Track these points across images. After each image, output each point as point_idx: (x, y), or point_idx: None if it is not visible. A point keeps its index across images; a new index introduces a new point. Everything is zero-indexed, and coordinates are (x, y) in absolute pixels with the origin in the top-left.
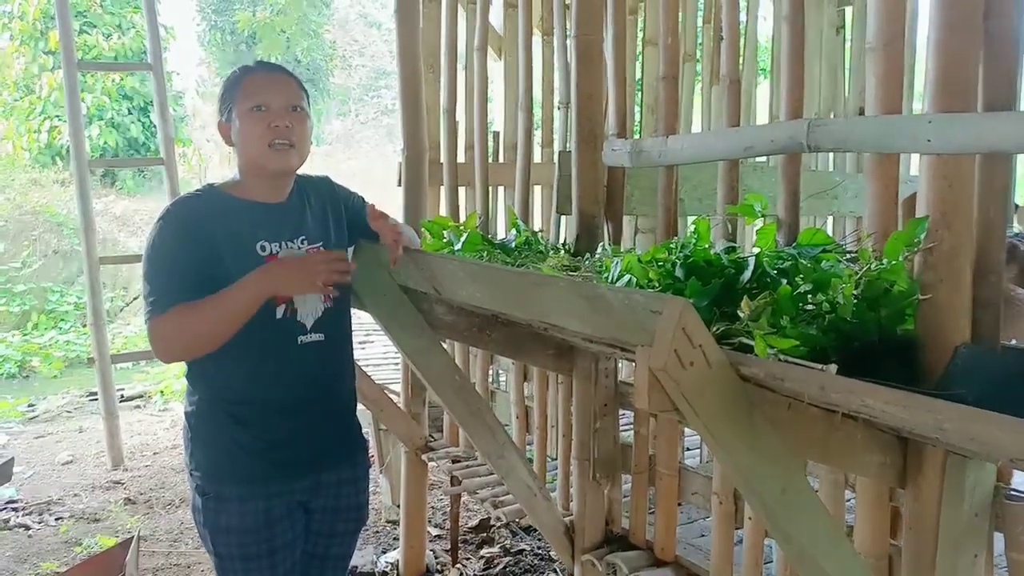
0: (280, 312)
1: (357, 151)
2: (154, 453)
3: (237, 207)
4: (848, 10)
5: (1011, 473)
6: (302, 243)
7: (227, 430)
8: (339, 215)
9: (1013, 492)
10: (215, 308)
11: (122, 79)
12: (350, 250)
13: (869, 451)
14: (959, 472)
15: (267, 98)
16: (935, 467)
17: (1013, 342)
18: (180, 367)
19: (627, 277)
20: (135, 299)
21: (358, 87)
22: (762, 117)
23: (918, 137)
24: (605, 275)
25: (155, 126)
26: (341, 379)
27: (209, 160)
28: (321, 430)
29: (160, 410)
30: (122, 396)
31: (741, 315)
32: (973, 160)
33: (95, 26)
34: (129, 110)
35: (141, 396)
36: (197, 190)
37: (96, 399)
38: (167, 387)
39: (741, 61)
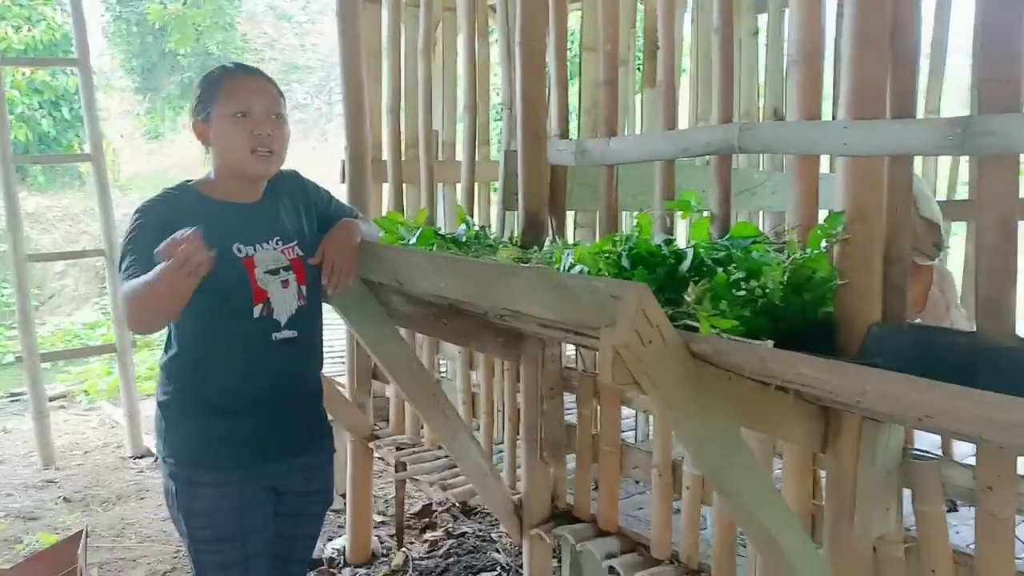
0: (257, 311)
1: None
2: (85, 452)
3: (213, 208)
4: (762, 17)
5: (913, 435)
6: (277, 243)
7: (202, 419)
8: (310, 211)
9: (917, 452)
10: (142, 292)
11: (32, 73)
12: None
13: (797, 419)
14: (873, 435)
15: (250, 104)
16: (852, 432)
17: (917, 321)
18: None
19: (579, 267)
20: (51, 297)
21: None
22: (682, 115)
23: (837, 141)
24: (556, 266)
25: (67, 120)
26: (311, 371)
27: (121, 154)
28: (292, 419)
29: (86, 409)
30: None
31: (688, 299)
32: (883, 161)
33: (3, 18)
34: (40, 104)
35: (64, 396)
36: (173, 188)
37: (16, 400)
38: (91, 386)
39: None
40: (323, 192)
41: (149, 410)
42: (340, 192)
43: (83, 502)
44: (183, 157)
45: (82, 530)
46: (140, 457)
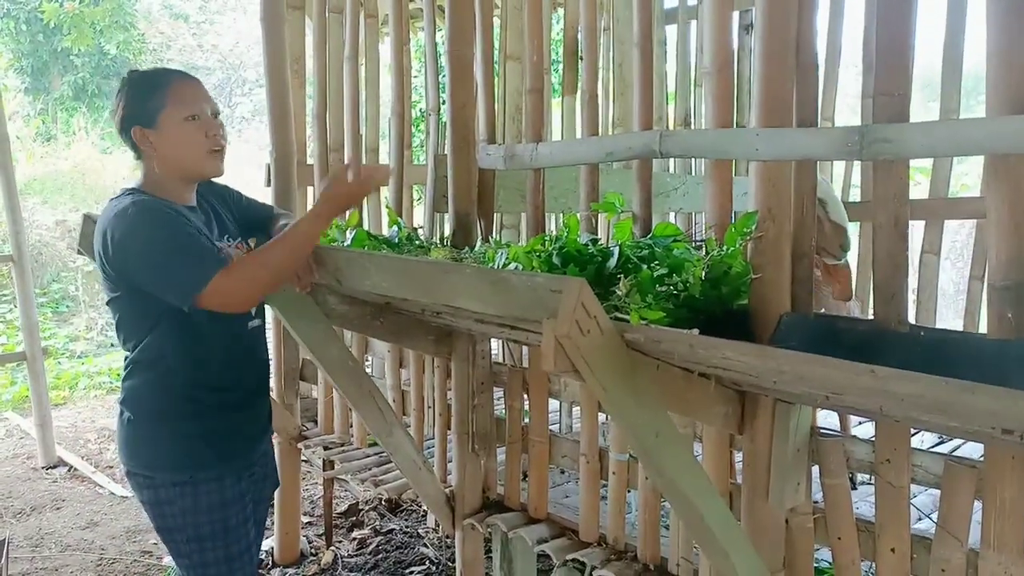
0: None
1: None
2: None
3: (176, 210)
4: (671, 28)
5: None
6: (229, 240)
7: (200, 420)
8: (233, 213)
9: (824, 431)
10: (285, 245)
11: None
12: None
13: (717, 403)
14: (785, 417)
15: (200, 107)
16: (767, 414)
17: (822, 310)
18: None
19: (514, 265)
20: None
21: None
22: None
23: (749, 146)
24: (490, 264)
25: None
26: (267, 358)
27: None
28: (265, 405)
29: None
30: None
31: (619, 292)
32: (791, 166)
33: None
34: None
35: None
36: (128, 193)
37: None
38: None
39: None
40: (233, 191)
41: (61, 420)
42: (266, 195)
43: None
44: (79, 160)
45: (4, 539)
46: (53, 467)
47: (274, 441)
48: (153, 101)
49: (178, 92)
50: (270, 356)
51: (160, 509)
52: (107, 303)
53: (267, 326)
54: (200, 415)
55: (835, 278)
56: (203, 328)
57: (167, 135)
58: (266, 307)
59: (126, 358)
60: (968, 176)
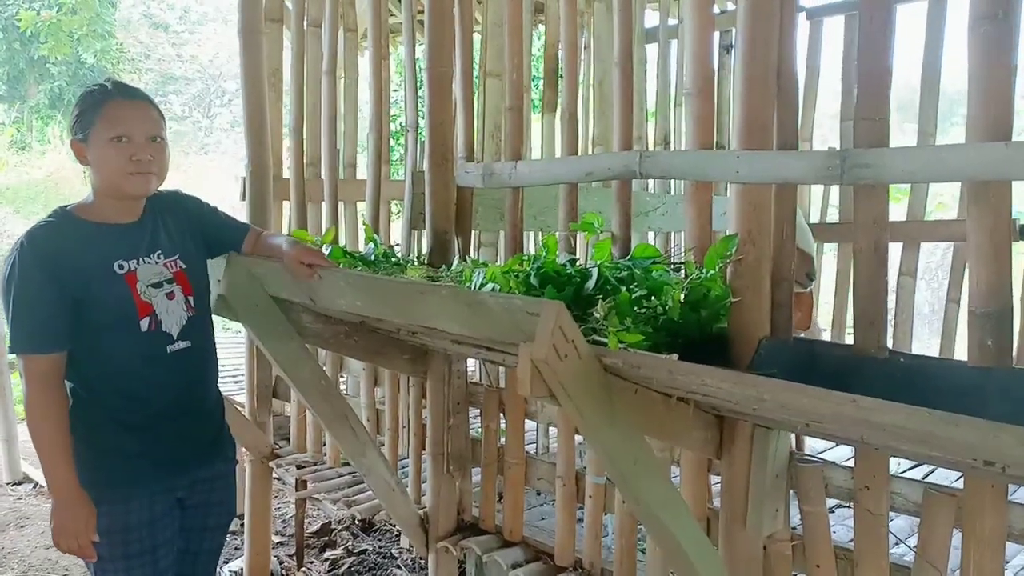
0: (145, 325)
1: None
2: None
3: (93, 231)
4: (652, 47)
5: (803, 441)
6: (159, 257)
7: (107, 436)
8: (195, 229)
9: (804, 457)
10: (40, 438)
11: None
12: (221, 260)
13: (695, 428)
14: (764, 442)
15: (129, 129)
16: (745, 439)
17: (801, 335)
18: None
19: (491, 285)
20: None
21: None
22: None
23: (729, 169)
24: (467, 284)
25: None
26: (209, 381)
27: None
28: (195, 430)
29: None
30: None
31: (597, 315)
32: (771, 189)
33: None
34: None
35: None
36: (50, 216)
37: None
38: None
39: None
40: (207, 206)
41: (26, 435)
42: (240, 209)
43: None
44: (53, 169)
45: None
46: (18, 483)
47: (245, 462)
48: (87, 116)
49: (110, 112)
50: (242, 373)
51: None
52: None
53: (240, 341)
54: (105, 433)
55: (797, 306)
56: (105, 347)
57: (95, 153)
58: (206, 327)
59: None
60: (943, 196)
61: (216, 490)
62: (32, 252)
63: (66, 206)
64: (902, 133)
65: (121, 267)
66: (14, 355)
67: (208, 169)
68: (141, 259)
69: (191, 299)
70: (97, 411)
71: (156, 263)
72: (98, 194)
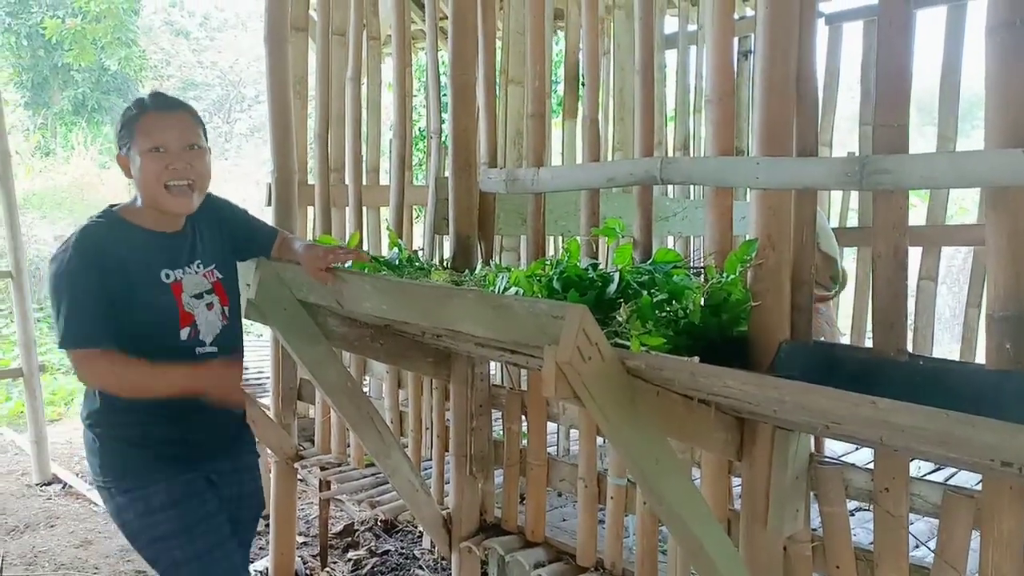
0: (185, 334)
1: None
2: None
3: (140, 237)
4: (671, 53)
5: (823, 442)
6: (198, 268)
7: (137, 429)
8: (227, 235)
9: (824, 459)
10: (152, 379)
11: None
12: (250, 264)
13: (716, 430)
14: (784, 444)
15: (165, 139)
16: (765, 441)
17: (822, 338)
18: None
19: (514, 289)
20: None
21: None
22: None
23: (749, 175)
24: (491, 288)
25: None
26: None
27: None
28: (220, 424)
29: None
30: None
31: (619, 318)
32: (791, 194)
33: None
34: None
35: None
36: (100, 216)
37: None
38: None
39: None
40: (238, 211)
41: (56, 436)
42: (265, 214)
43: None
44: (78, 175)
45: None
46: (47, 484)
47: (270, 463)
48: (128, 131)
49: (146, 124)
50: (268, 376)
51: (119, 518)
52: None
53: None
54: (135, 426)
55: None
56: (143, 351)
57: (134, 165)
58: (237, 333)
59: None
60: (965, 200)
61: (246, 482)
62: (86, 249)
63: (114, 206)
64: (922, 137)
65: (167, 276)
66: (65, 350)
67: (228, 173)
68: (184, 269)
69: (226, 309)
70: (123, 410)
71: (196, 273)
72: (143, 204)
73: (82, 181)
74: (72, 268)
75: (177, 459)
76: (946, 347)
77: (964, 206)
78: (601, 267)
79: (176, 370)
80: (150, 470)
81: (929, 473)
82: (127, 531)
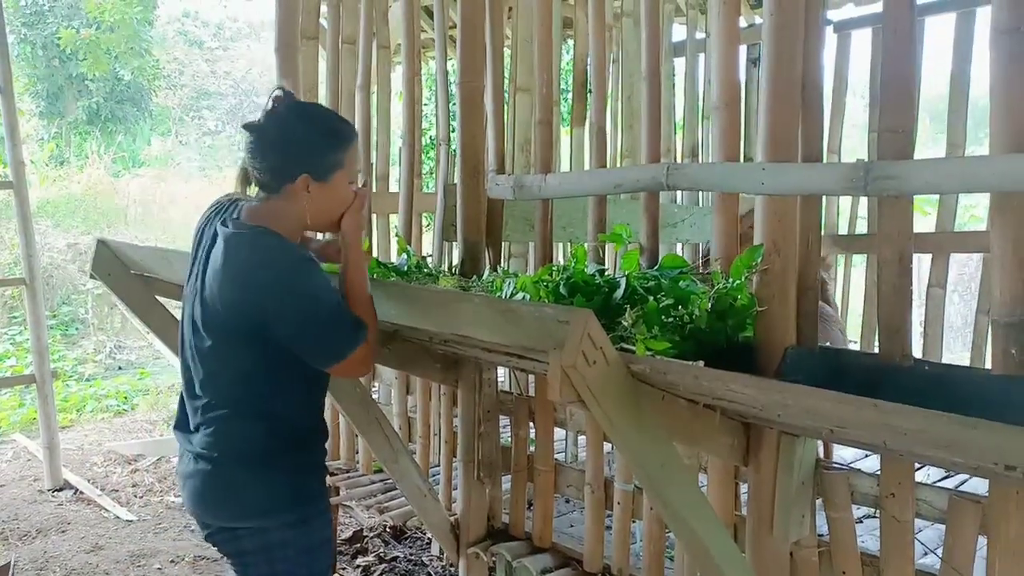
0: None
1: (179, 172)
2: (0, 485)
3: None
4: (679, 60)
5: (832, 449)
6: None
7: (304, 455)
8: None
9: (830, 464)
10: (367, 294)
11: None
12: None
13: (722, 434)
14: (790, 449)
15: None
16: (771, 446)
17: (827, 344)
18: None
19: (521, 294)
20: None
21: (179, 107)
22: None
23: (755, 181)
24: (498, 294)
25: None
26: None
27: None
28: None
29: None
30: None
31: (625, 323)
32: (796, 200)
33: None
34: None
35: None
36: (269, 235)
37: None
38: (3, 418)
39: None
40: None
41: (68, 442)
42: None
43: (1, 536)
44: (91, 184)
45: (8, 563)
46: (59, 490)
47: None
48: (334, 156)
49: (352, 154)
50: None
51: (270, 554)
52: (202, 351)
53: None
54: (304, 450)
55: None
56: (314, 374)
57: (332, 193)
58: None
59: (208, 404)
60: (977, 208)
61: None
62: (309, 261)
63: (261, 228)
64: (934, 143)
65: None
66: (339, 360)
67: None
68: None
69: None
70: (293, 435)
71: None
72: (300, 227)
73: (96, 190)
74: (317, 282)
75: (324, 487)
76: (957, 355)
77: (976, 214)
78: (608, 273)
79: (355, 265)
80: (313, 500)
81: (939, 480)
82: (275, 568)
